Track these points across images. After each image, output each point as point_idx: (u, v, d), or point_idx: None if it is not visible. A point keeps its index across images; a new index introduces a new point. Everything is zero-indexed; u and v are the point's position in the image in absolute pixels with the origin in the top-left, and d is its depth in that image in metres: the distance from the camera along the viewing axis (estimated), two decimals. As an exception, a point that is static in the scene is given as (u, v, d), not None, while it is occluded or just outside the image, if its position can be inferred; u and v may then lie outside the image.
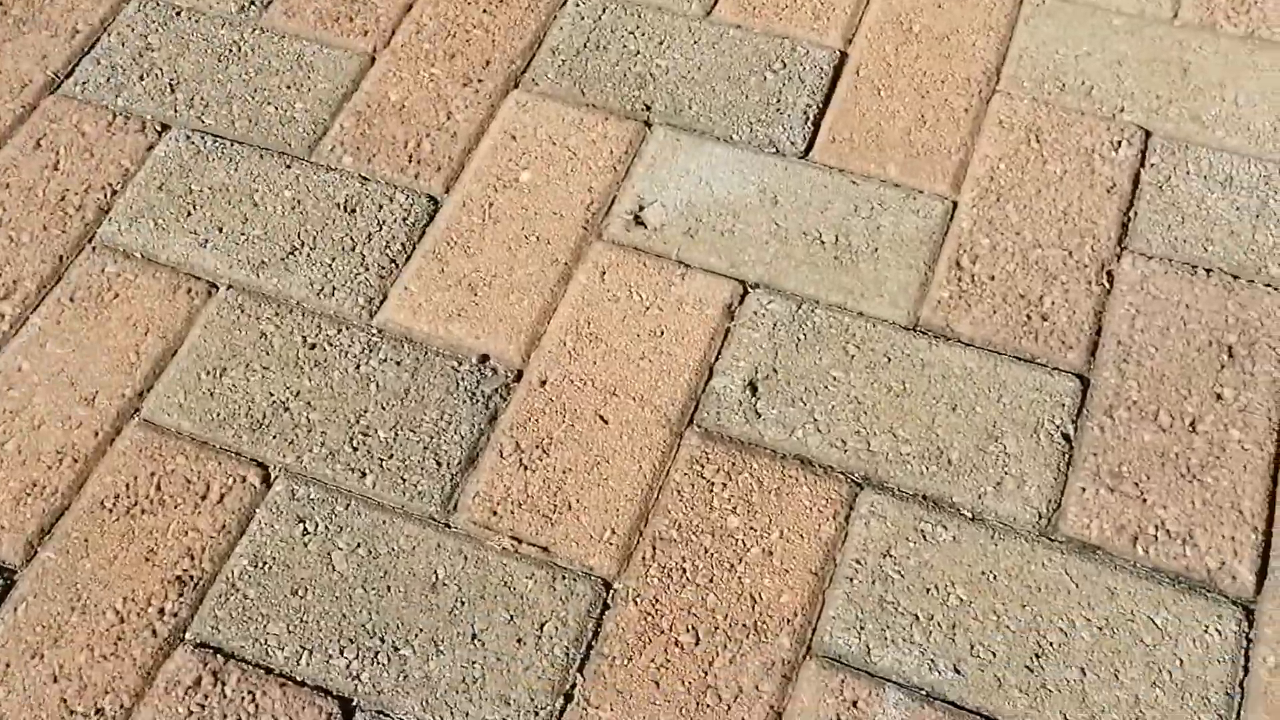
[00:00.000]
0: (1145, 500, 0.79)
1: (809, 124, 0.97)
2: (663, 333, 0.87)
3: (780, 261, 0.90)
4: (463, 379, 0.86)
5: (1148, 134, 0.96)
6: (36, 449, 0.84)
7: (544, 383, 0.86)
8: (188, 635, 0.77)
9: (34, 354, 0.88)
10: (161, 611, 0.77)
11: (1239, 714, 0.71)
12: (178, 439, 0.84)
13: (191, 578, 0.79)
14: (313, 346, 0.88)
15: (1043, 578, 0.76)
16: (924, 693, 0.73)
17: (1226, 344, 0.85)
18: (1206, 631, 0.74)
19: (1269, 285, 0.88)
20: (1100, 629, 0.74)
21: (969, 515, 0.79)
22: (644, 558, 0.78)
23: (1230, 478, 0.79)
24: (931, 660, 0.74)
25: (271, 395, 0.86)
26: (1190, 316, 0.86)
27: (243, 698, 0.74)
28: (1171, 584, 0.76)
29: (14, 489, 0.82)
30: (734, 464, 0.81)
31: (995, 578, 0.76)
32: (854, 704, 0.73)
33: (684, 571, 0.78)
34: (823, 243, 0.91)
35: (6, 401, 0.86)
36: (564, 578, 0.78)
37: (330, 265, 0.91)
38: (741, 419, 0.83)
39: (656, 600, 0.77)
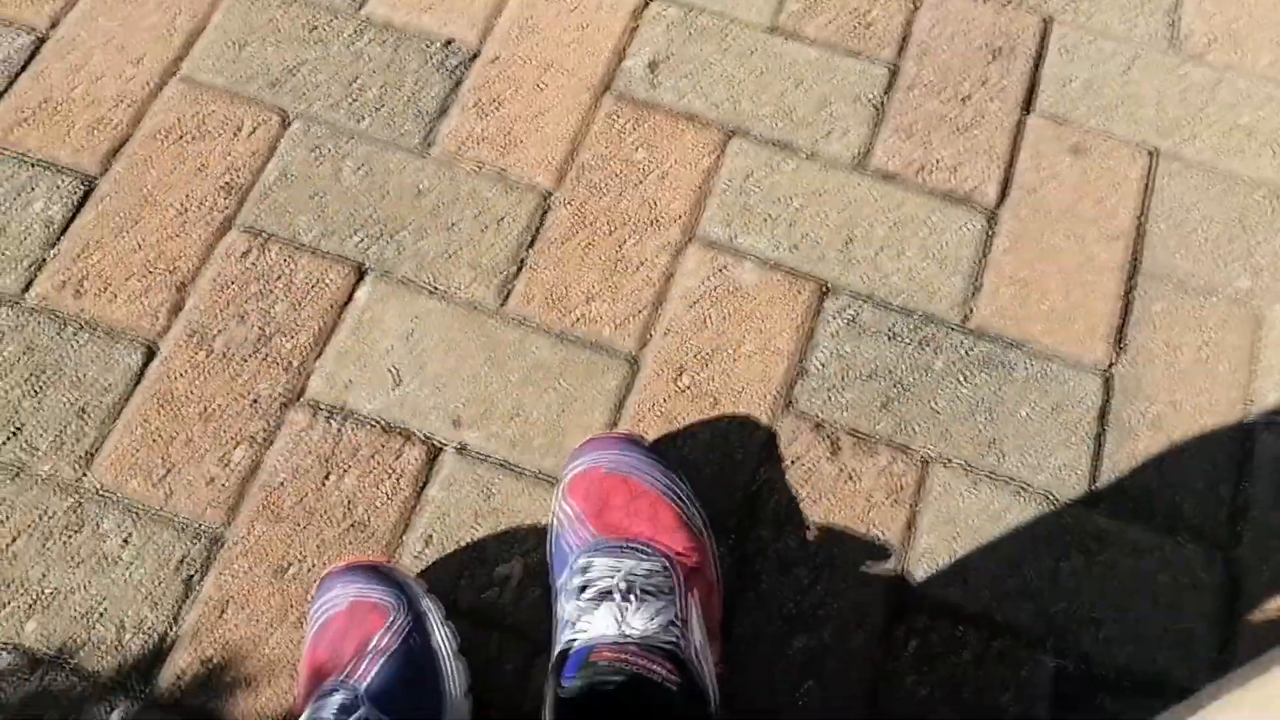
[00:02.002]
0: (928, 146, 1.11)
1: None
2: (586, 26, 1.15)
3: (675, -19, 1.18)
4: (433, 55, 1.13)
5: (953, -99, 1.26)
6: (99, 95, 1.08)
7: (496, 59, 1.13)
8: (236, 222, 1.03)
9: (88, 26, 1.11)
10: (214, 207, 1.03)
11: (979, 277, 1.05)
12: (212, 91, 1.09)
13: (235, 185, 1.05)
14: (313, 29, 1.13)
15: (854, 194, 1.08)
16: (770, 263, 1.05)
17: (995, 47, 1.17)
18: (962, 228, 1.07)
19: (1030, 10, 1.19)
20: (892, 226, 1.07)
21: (806, 154, 1.10)
22: (573, 178, 1.07)
23: (987, 133, 1.12)
24: (776, 243, 1.05)
25: (284, 62, 1.11)
26: (972, 28, 1.18)
27: (283, 261, 1.02)
28: (942, 199, 1.09)
29: (86, 121, 1.06)
30: (639, 118, 1.11)
31: (823, 194, 1.08)
32: (722, 269, 1.04)
33: (603, 187, 1.07)
34: (707, -31, 1.19)
35: (71, 60, 1.09)
36: (515, 189, 1.06)
37: (324, -32, 1.16)
38: (644, 88, 1.12)
39: (583, 205, 1.06)
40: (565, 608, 0.81)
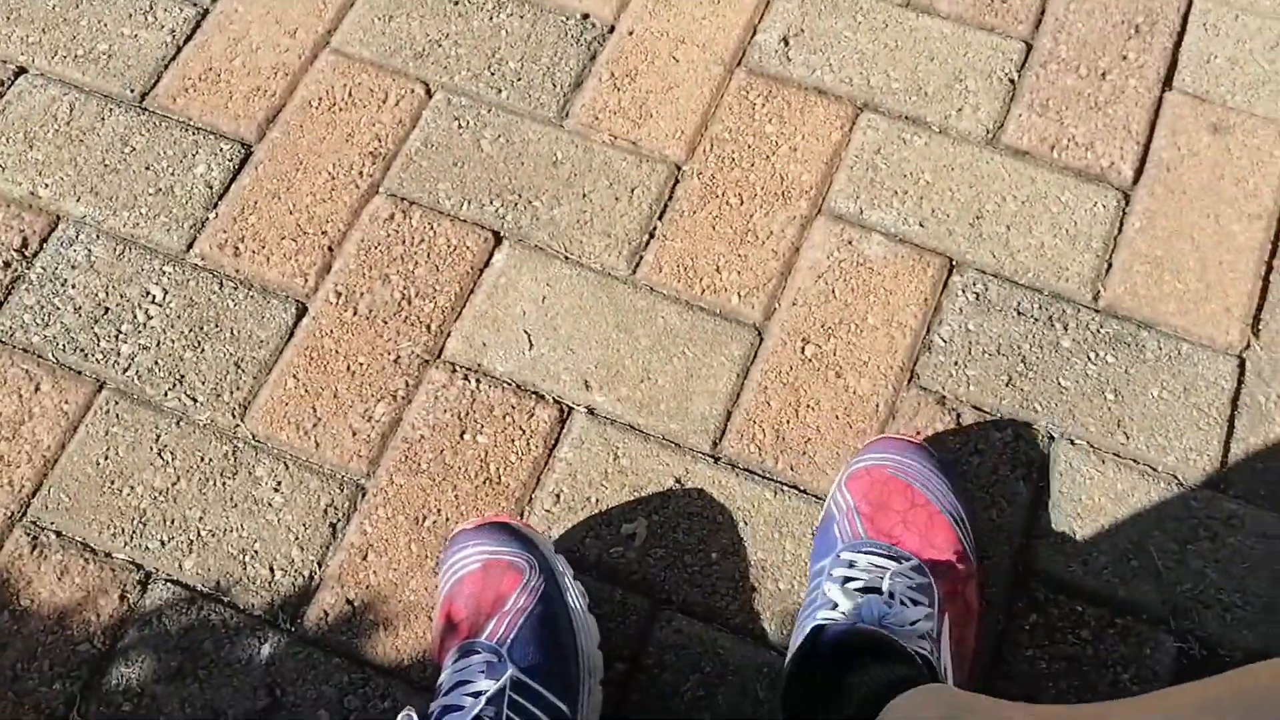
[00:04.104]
0: (1063, 123, 1.10)
1: None
2: (720, 1, 1.17)
3: (808, -44, 1.19)
4: (570, 30, 1.16)
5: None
6: (257, 65, 1.14)
7: (631, 33, 1.15)
8: (381, 189, 1.08)
9: (245, 1, 1.17)
10: (361, 173, 1.09)
11: (1111, 255, 1.04)
12: (361, 63, 1.14)
13: (381, 152, 1.09)
14: (456, 3, 1.17)
15: (985, 170, 1.08)
16: (898, 238, 1.05)
17: (1135, 23, 1.15)
18: (1095, 205, 1.06)
19: (1172, -15, 1.17)
20: (1023, 202, 1.06)
21: (937, 129, 1.10)
22: (705, 150, 1.09)
23: (1124, 110, 1.11)
24: (904, 218, 1.06)
25: (428, 35, 1.15)
26: (1111, 4, 1.16)
27: (425, 226, 1.06)
28: (1075, 176, 1.08)
29: (244, 90, 1.12)
30: (770, 92, 1.12)
31: (953, 169, 1.08)
32: (849, 242, 1.05)
33: (733, 159, 1.09)
34: (841, -56, 1.20)
35: (231, 32, 1.15)
36: (647, 161, 1.09)
37: (467, -57, 1.20)
38: (777, 62, 1.14)
39: (713, 177, 1.08)
40: (823, 592, 0.82)
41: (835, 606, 0.80)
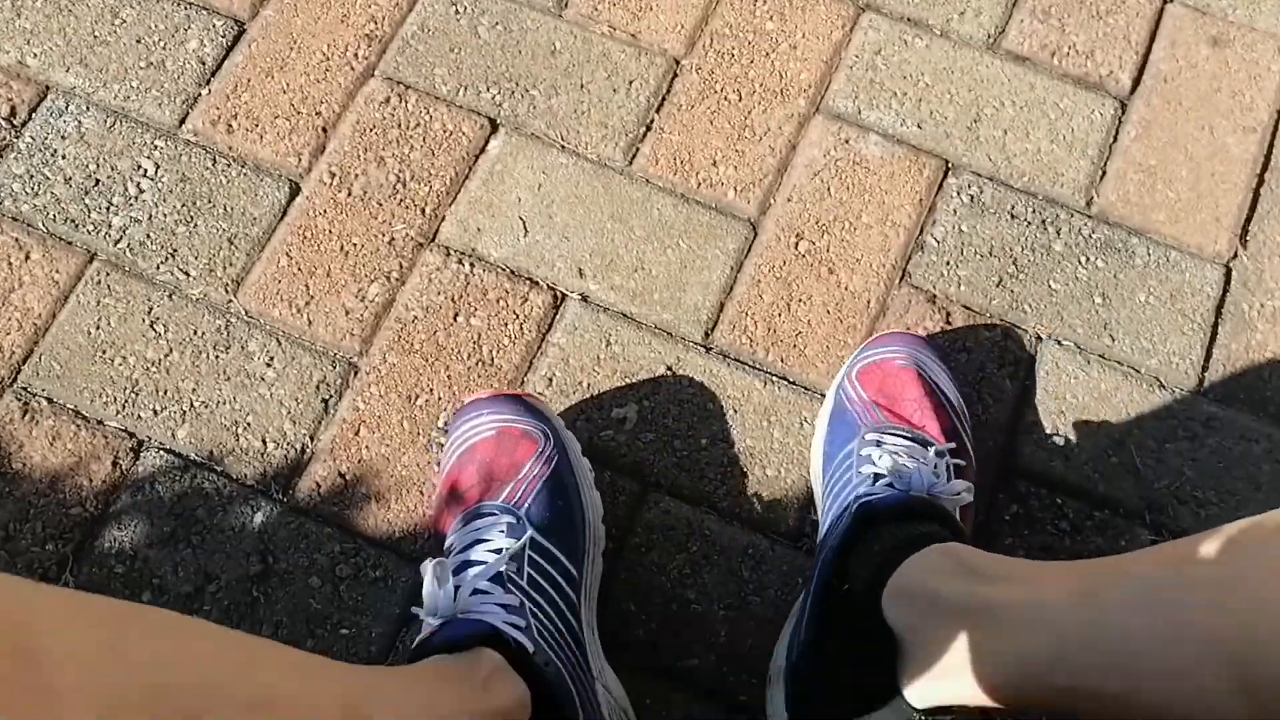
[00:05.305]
0: (1064, 30, 1.10)
1: None
2: (724, -105, 1.15)
3: None
4: (571, -81, 1.14)
5: None
6: (252, -58, 1.12)
7: (633, -76, 1.14)
8: (377, 72, 1.07)
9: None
10: (356, 55, 1.07)
11: (1106, 163, 1.05)
12: (358, -57, 1.12)
13: (377, 35, 1.08)
14: (456, -113, 1.15)
15: (985, 74, 1.08)
16: (895, 138, 1.05)
17: (1139, -66, 1.15)
18: (1093, 113, 1.07)
19: (1177, -103, 1.17)
20: (1021, 107, 1.07)
21: (938, 32, 1.10)
22: (704, 45, 1.09)
23: (1125, 20, 1.11)
24: (902, 119, 1.06)
25: (427, -81, 1.14)
26: (1116, -87, 1.16)
27: (421, 110, 1.05)
28: (1073, 83, 1.08)
29: (239, -33, 1.11)
30: (772, -11, 1.11)
31: (952, 73, 1.08)
32: (846, 141, 1.05)
33: (733, 55, 1.08)
34: None
35: (226, -93, 1.13)
36: (646, 53, 1.08)
37: None
38: (779, -41, 1.13)
39: (712, 72, 1.08)
40: (858, 471, 0.82)
41: (877, 480, 0.80)
